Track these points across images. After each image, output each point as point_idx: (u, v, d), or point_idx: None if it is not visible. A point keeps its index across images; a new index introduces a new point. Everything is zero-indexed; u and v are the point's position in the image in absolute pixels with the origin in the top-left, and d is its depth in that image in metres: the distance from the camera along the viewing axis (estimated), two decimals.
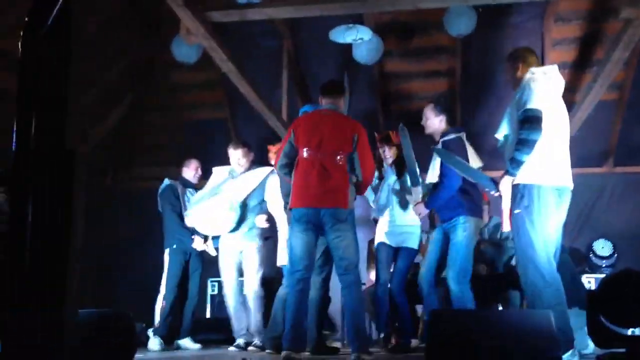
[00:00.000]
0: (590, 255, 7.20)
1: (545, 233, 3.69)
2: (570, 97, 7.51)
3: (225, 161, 8.64)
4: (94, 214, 6.08)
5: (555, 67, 3.99)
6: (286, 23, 7.45)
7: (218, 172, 5.97)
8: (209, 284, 7.70)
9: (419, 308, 5.96)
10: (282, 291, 5.13)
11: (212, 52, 5.97)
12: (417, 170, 4.86)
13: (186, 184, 6.37)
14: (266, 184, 5.65)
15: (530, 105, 3.66)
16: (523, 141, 3.65)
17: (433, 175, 4.74)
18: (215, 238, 6.03)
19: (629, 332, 3.23)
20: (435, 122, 4.88)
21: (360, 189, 4.47)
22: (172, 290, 6.09)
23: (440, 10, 6.40)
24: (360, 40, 6.51)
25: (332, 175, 4.25)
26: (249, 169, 5.90)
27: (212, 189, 5.81)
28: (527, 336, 2.99)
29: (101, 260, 7.90)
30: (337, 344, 5.99)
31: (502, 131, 3.98)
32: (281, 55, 7.69)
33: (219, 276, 7.69)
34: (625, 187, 7.54)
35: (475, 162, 4.70)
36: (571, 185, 3.86)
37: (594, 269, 7.14)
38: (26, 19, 2.47)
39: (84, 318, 3.24)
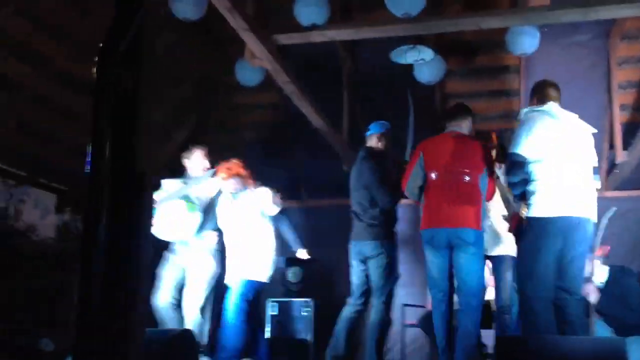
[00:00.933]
0: None
1: (542, 264, 3.82)
2: (636, 116, 7.32)
3: (287, 181, 8.77)
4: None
5: (553, 104, 4.07)
6: (347, 44, 7.50)
7: (169, 183, 5.62)
8: (269, 304, 7.74)
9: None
10: (346, 311, 5.10)
11: (276, 74, 6.04)
12: None
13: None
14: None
15: (512, 150, 3.95)
16: (508, 183, 4.10)
17: None
18: None
19: None
20: None
21: None
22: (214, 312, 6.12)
23: (503, 29, 6.34)
24: (421, 60, 6.49)
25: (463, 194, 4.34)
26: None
27: (170, 195, 5.44)
28: None
29: None
30: None
31: None
32: (342, 77, 7.74)
33: (277, 296, 7.81)
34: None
35: None
36: (582, 214, 3.91)
37: None
38: (101, 43, 2.55)
39: (152, 336, 3.31)
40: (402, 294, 6.35)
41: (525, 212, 4.02)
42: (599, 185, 4.18)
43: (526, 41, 6.19)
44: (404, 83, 7.50)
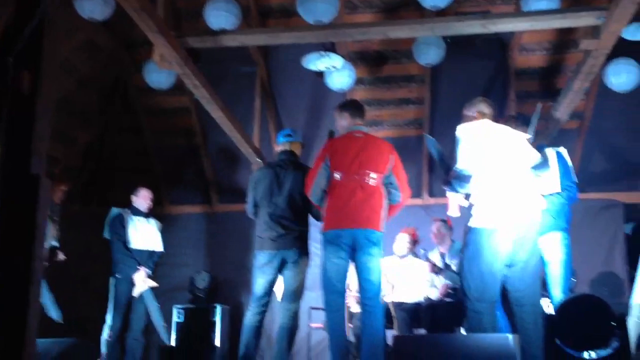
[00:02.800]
0: None
1: (481, 267, 4.00)
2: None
3: (197, 186, 8.72)
4: (63, 239, 6.09)
5: (485, 121, 4.27)
6: (260, 49, 7.55)
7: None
8: (175, 311, 7.68)
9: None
10: (253, 319, 4.95)
11: (185, 78, 6.01)
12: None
13: (136, 212, 6.48)
14: None
15: (457, 166, 4.17)
16: (452, 185, 4.30)
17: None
18: None
19: (585, 355, 3.31)
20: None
21: (395, 210, 4.64)
22: (118, 320, 6.14)
23: (411, 39, 6.55)
24: (332, 68, 6.62)
25: (370, 196, 4.38)
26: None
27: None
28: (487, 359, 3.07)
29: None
30: None
31: None
32: (254, 81, 7.78)
33: (184, 303, 7.77)
34: (584, 213, 7.68)
35: None
36: (525, 221, 4.08)
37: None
38: None
39: (47, 347, 3.23)
40: (310, 297, 6.43)
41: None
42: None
43: (432, 52, 6.42)
44: (315, 90, 7.66)
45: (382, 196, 4.44)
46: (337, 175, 4.41)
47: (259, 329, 4.91)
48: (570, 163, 4.83)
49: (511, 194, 4.10)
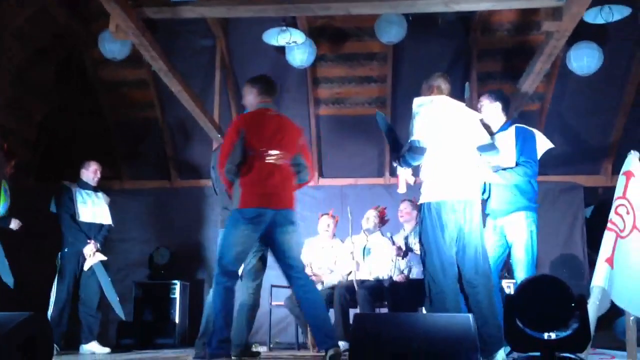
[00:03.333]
0: None
1: (438, 244, 4.09)
2: None
3: (156, 161, 8.57)
4: (15, 215, 5.90)
5: (442, 97, 4.32)
6: (220, 23, 7.41)
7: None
8: (133, 287, 7.60)
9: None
10: (245, 297, 4.86)
11: (142, 49, 5.86)
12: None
13: (84, 186, 6.39)
14: None
15: (412, 137, 4.19)
16: (404, 159, 4.32)
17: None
18: None
19: (545, 336, 3.34)
20: (491, 108, 4.81)
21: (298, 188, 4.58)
22: (64, 294, 6.06)
23: (373, 17, 6.51)
24: (293, 43, 6.54)
25: (287, 175, 4.36)
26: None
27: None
28: (447, 339, 3.07)
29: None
30: (262, 349, 6.03)
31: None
32: (214, 55, 7.64)
33: (143, 279, 7.71)
34: (545, 195, 7.70)
35: (545, 144, 4.87)
36: (469, 197, 4.17)
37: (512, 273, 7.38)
38: None
39: (2, 321, 3.13)
40: (271, 275, 6.40)
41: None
42: (497, 160, 4.46)
43: (393, 30, 6.40)
44: (276, 65, 7.56)
45: (293, 176, 4.46)
46: (252, 152, 4.31)
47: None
48: (538, 141, 4.79)
49: (457, 170, 4.19)
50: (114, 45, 6.44)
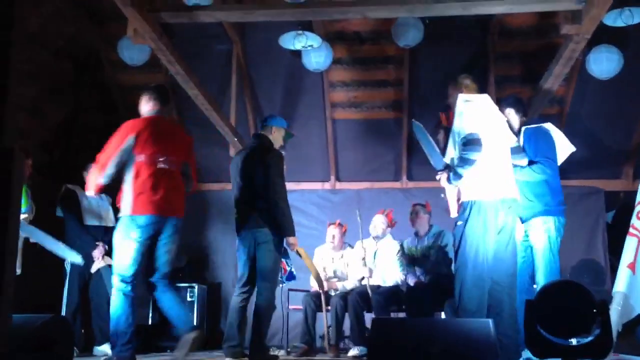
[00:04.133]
0: None
1: (482, 246, 3.99)
2: None
3: None
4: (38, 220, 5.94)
5: (483, 95, 4.32)
6: (236, 27, 7.42)
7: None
8: None
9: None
10: (235, 301, 5.12)
11: (160, 53, 5.89)
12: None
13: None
14: None
15: (468, 131, 4.09)
16: (464, 159, 4.09)
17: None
18: None
19: (566, 342, 3.30)
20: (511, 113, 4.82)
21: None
22: (74, 299, 6.07)
23: (390, 20, 6.49)
24: (309, 47, 6.54)
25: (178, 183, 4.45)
26: None
27: None
28: (467, 344, 3.05)
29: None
30: (280, 352, 6.05)
31: (449, 155, 4.31)
32: (231, 60, 7.65)
33: None
34: (565, 200, 7.68)
35: (567, 147, 4.86)
36: (513, 196, 4.12)
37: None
38: None
39: (20, 323, 3.14)
40: None
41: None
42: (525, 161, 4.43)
43: (410, 33, 6.37)
44: (292, 69, 7.56)
45: (183, 184, 4.53)
46: (141, 158, 4.33)
47: (242, 309, 5.05)
48: (559, 142, 4.76)
49: (501, 168, 4.15)
50: (133, 52, 6.47)
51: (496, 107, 4.39)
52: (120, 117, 8.23)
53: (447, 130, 4.87)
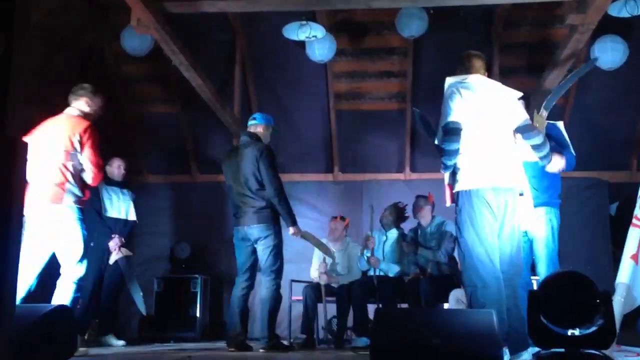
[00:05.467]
0: None
1: (482, 234, 3.80)
2: None
3: (176, 155, 8.59)
4: None
5: (478, 75, 4.03)
6: (240, 17, 7.40)
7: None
8: (155, 282, 7.63)
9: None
10: (235, 291, 5.25)
11: (163, 43, 5.88)
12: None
13: (109, 182, 6.44)
14: None
15: (448, 118, 3.85)
16: (444, 150, 3.91)
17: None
18: None
19: (569, 332, 3.30)
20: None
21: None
22: (89, 290, 6.08)
23: (394, 11, 6.46)
24: (313, 37, 6.52)
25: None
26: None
27: None
28: (470, 335, 3.05)
29: None
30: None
31: (437, 140, 4.11)
32: (234, 50, 7.64)
33: (164, 273, 7.76)
34: (569, 191, 7.62)
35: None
36: (510, 185, 3.92)
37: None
38: None
39: (24, 312, 3.16)
40: (291, 269, 6.42)
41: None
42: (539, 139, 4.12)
43: (414, 24, 6.35)
44: (296, 60, 7.54)
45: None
46: None
47: (243, 300, 5.19)
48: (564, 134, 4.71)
49: (496, 155, 3.93)
50: (135, 42, 6.46)
51: (498, 85, 4.12)
52: (124, 108, 8.30)
53: None
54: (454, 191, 3.99)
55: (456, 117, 3.86)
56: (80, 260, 4.38)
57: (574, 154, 4.67)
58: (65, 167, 4.41)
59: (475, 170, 3.89)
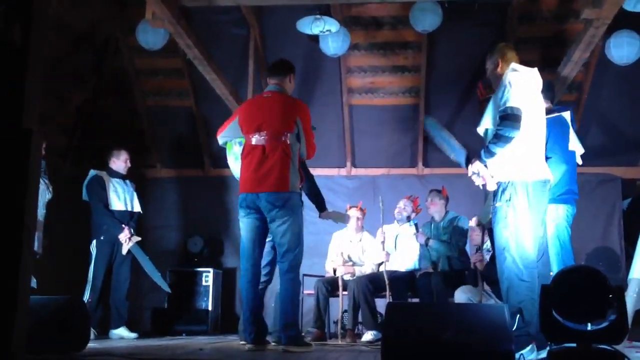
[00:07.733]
0: None
1: (529, 227, 3.72)
2: None
3: (190, 149, 8.63)
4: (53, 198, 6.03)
5: (534, 70, 3.97)
6: (254, 11, 7.41)
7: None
8: (167, 275, 7.67)
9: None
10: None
11: (178, 37, 5.91)
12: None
13: (114, 174, 6.46)
14: None
15: (510, 104, 3.71)
16: (499, 136, 3.72)
17: None
18: None
19: (581, 327, 3.29)
20: None
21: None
22: (99, 282, 6.17)
23: (408, 5, 6.45)
24: (327, 32, 6.52)
25: (270, 158, 4.34)
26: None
27: None
28: (481, 330, 3.05)
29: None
30: None
31: (484, 125, 4.01)
32: (248, 44, 7.65)
33: (176, 266, 7.80)
34: (582, 187, 7.64)
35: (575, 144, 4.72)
36: (552, 178, 3.92)
37: None
38: None
39: (38, 304, 3.19)
40: (304, 264, 6.41)
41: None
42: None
43: (428, 18, 6.32)
44: (309, 54, 7.54)
45: (285, 156, 4.37)
46: (246, 136, 4.52)
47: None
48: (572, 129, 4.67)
49: (540, 149, 3.89)
50: (150, 36, 6.48)
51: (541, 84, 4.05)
52: (138, 101, 8.35)
53: (483, 101, 4.72)
54: (502, 180, 3.84)
55: (517, 104, 3.73)
56: None
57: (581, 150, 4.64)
58: None
59: (531, 162, 3.81)
